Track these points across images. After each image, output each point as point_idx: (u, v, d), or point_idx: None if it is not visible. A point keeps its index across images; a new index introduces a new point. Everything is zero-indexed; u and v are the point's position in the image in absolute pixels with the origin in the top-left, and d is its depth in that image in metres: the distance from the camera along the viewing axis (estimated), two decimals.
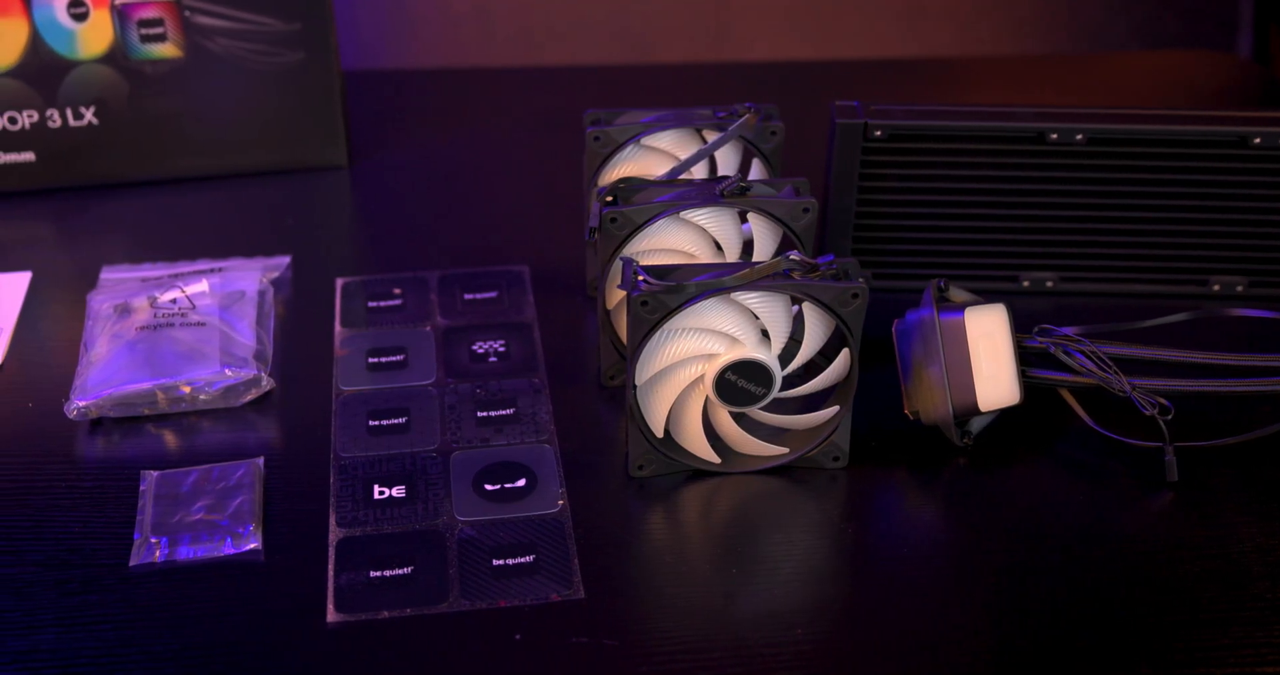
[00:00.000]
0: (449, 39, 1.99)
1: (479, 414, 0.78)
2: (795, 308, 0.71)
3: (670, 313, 0.68)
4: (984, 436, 0.77)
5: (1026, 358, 0.75)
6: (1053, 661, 0.64)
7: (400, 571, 0.68)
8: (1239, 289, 0.88)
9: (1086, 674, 0.64)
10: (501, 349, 0.83)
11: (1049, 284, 0.89)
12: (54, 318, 0.87)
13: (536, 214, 1.00)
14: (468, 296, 0.88)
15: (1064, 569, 0.69)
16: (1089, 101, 1.12)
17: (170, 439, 0.77)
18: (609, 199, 0.76)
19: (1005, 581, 0.69)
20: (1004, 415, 0.76)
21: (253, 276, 0.86)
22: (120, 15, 0.93)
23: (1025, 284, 0.89)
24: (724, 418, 0.73)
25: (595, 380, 0.82)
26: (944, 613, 0.67)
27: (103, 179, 1.00)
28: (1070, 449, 0.77)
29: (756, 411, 0.73)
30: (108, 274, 0.88)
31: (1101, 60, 1.42)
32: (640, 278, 0.68)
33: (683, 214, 0.76)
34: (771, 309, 0.70)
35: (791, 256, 0.70)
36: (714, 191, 0.75)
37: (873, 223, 0.87)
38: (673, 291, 0.68)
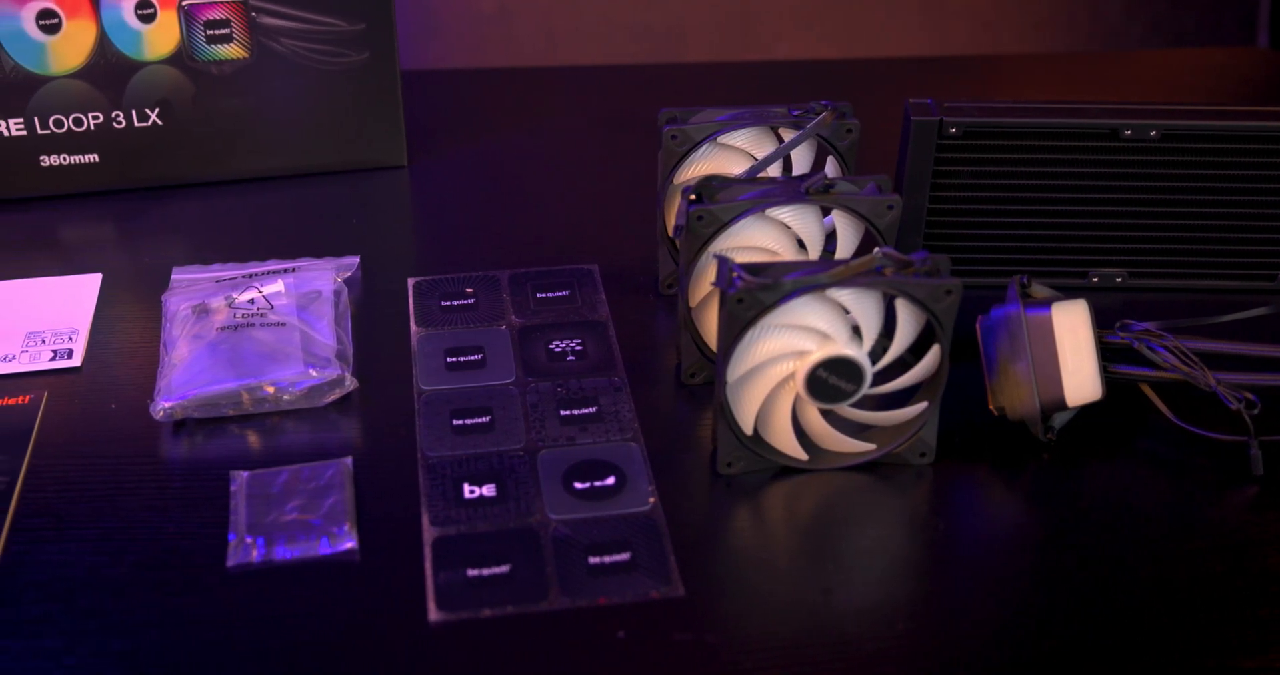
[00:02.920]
0: (471, 40, 1.99)
1: (562, 413, 0.78)
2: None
3: (765, 310, 0.69)
4: (1065, 432, 0.77)
5: (1107, 353, 0.76)
6: (1145, 653, 0.65)
7: (498, 570, 0.68)
8: None
9: (1179, 665, 0.64)
10: (579, 347, 0.83)
11: (1118, 280, 0.89)
12: (128, 319, 0.87)
13: (598, 212, 1.00)
14: (540, 295, 0.88)
15: (1153, 563, 0.70)
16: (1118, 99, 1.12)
17: (254, 439, 0.77)
18: (693, 197, 0.76)
19: (1095, 575, 0.69)
20: (1084, 411, 0.77)
21: (327, 276, 0.86)
22: (187, 16, 0.93)
23: (1095, 280, 0.89)
24: (813, 414, 0.74)
25: (673, 377, 0.82)
26: (1039, 605, 0.67)
27: (165, 180, 1.00)
28: (1152, 444, 0.77)
29: (845, 408, 0.73)
30: (179, 275, 0.88)
31: (1125, 58, 1.43)
32: (735, 275, 0.68)
33: (767, 211, 0.76)
34: (864, 305, 0.70)
35: (884, 253, 0.70)
36: (799, 189, 0.76)
37: (944, 219, 0.87)
38: (768, 289, 0.68)
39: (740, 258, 0.77)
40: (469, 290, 0.89)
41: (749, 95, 1.14)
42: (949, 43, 2.07)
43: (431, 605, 0.66)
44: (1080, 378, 0.74)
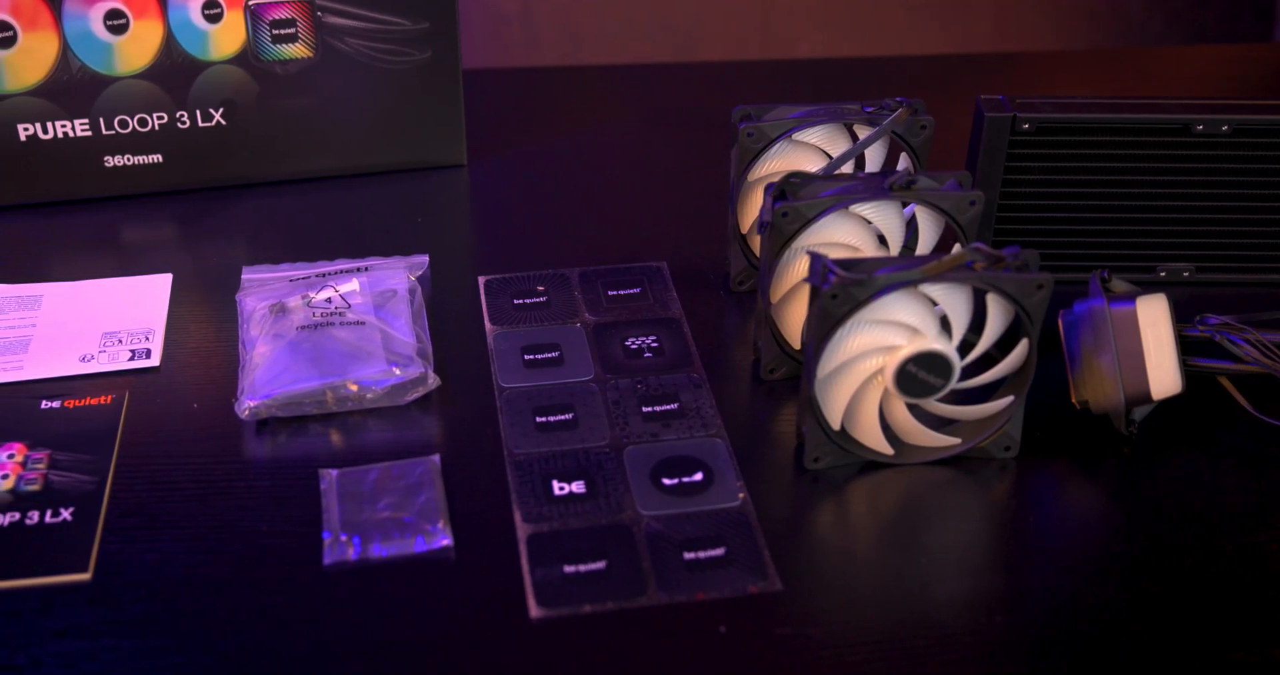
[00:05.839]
0: (494, 40, 1.99)
1: (644, 409, 0.78)
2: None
3: (858, 305, 0.69)
4: (1144, 426, 0.77)
5: (1185, 346, 0.76)
6: (1235, 643, 0.65)
7: (595, 566, 0.68)
8: None
9: (1268, 654, 0.65)
10: (655, 344, 0.84)
11: (1185, 274, 0.89)
12: (201, 319, 0.87)
13: (659, 209, 1.01)
14: (611, 293, 0.88)
15: (1240, 555, 0.70)
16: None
17: (337, 438, 0.77)
18: (775, 195, 0.76)
19: (1182, 567, 0.69)
20: (1162, 405, 0.77)
21: (400, 275, 0.86)
22: (253, 16, 0.93)
23: (1162, 274, 0.89)
24: (899, 409, 0.74)
25: (750, 373, 0.83)
26: (1128, 597, 0.68)
27: (229, 180, 1.00)
28: (1232, 437, 0.78)
29: (932, 403, 0.74)
30: (249, 274, 0.88)
31: (1145, 54, 1.43)
32: (829, 271, 0.69)
33: (849, 207, 0.76)
34: (954, 300, 0.71)
35: (975, 248, 0.70)
36: (882, 185, 0.76)
37: (1014, 215, 0.88)
38: (862, 284, 0.69)
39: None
40: (540, 288, 0.89)
41: (774, 94, 1.14)
42: (968, 41, 2.08)
43: (531, 602, 0.66)
44: (1163, 371, 0.74)
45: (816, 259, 0.69)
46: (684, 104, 1.17)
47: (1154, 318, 0.75)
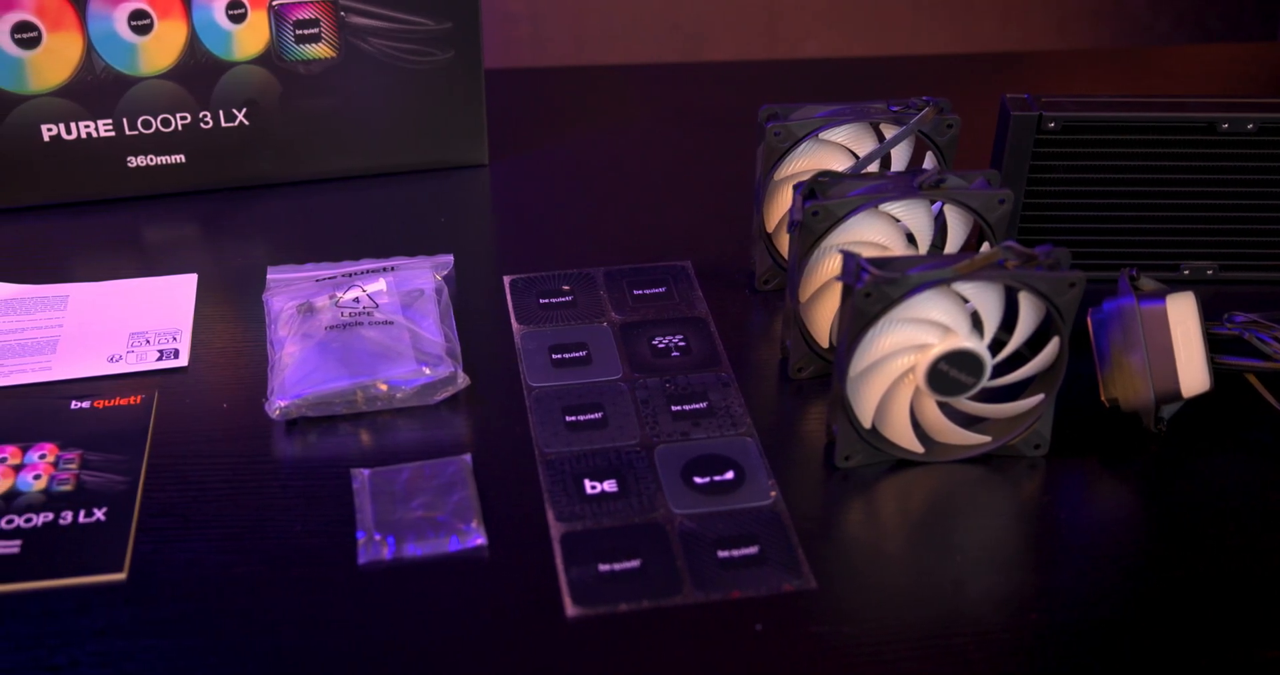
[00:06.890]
0: (500, 41, 1.99)
1: (673, 408, 0.79)
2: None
3: (891, 304, 0.69)
4: (1172, 424, 0.78)
5: (1212, 344, 0.76)
6: (1268, 641, 0.65)
7: (629, 565, 0.68)
8: None
9: None
10: (682, 343, 0.84)
11: (1209, 272, 0.90)
12: (227, 318, 0.87)
13: (680, 208, 1.01)
14: (637, 292, 0.89)
15: (1271, 552, 0.70)
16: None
17: (367, 437, 0.77)
18: (804, 194, 0.76)
19: (1213, 564, 0.70)
20: (1189, 403, 0.77)
21: (426, 274, 0.86)
22: (277, 16, 0.93)
23: (1186, 272, 0.90)
24: (930, 407, 0.74)
25: (777, 372, 0.83)
26: (1161, 595, 0.68)
27: (251, 180, 1.00)
28: (1260, 434, 0.78)
29: (963, 401, 0.74)
30: (274, 274, 0.88)
31: (1151, 53, 1.43)
32: (862, 270, 0.69)
33: (879, 206, 0.76)
34: (986, 299, 0.71)
35: (1007, 247, 0.71)
36: (911, 184, 0.76)
37: (1039, 213, 0.88)
38: (895, 283, 0.69)
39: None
40: (566, 287, 0.89)
41: (785, 93, 1.14)
42: (972, 40, 2.08)
43: (567, 600, 0.66)
44: (1192, 369, 0.75)
45: (850, 257, 0.70)
46: (699, 103, 1.17)
47: (1183, 315, 0.75)
